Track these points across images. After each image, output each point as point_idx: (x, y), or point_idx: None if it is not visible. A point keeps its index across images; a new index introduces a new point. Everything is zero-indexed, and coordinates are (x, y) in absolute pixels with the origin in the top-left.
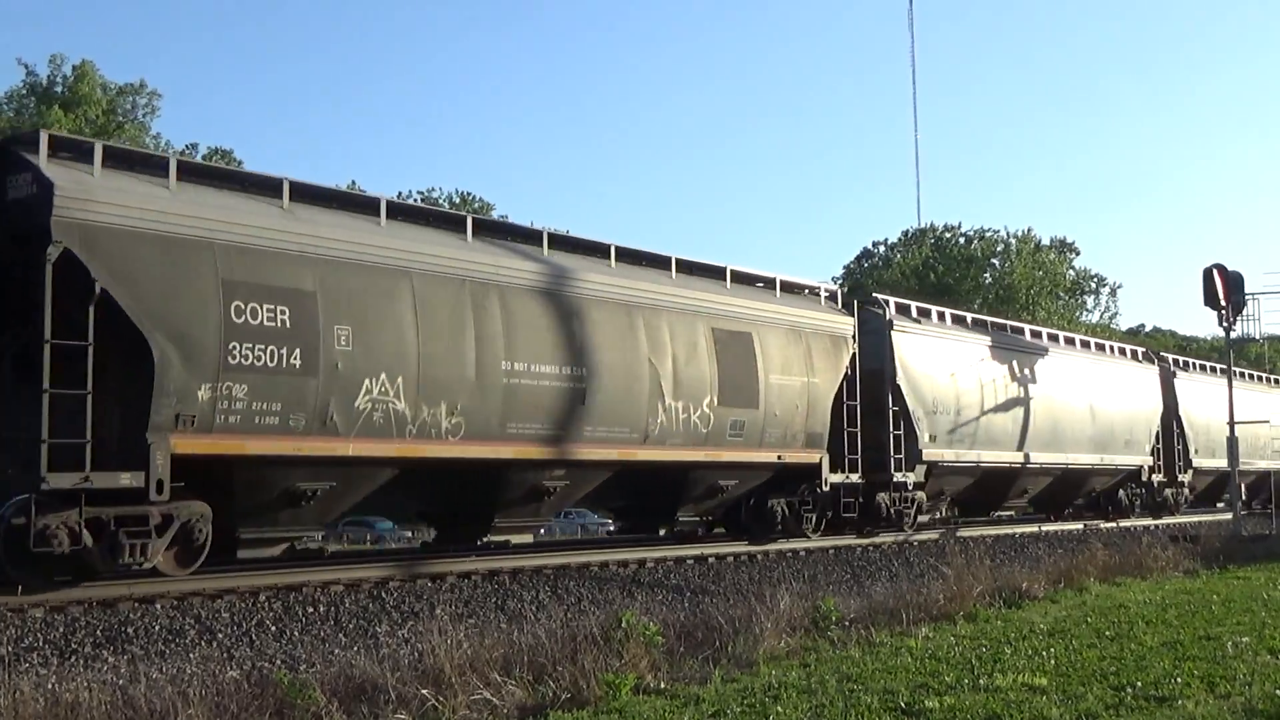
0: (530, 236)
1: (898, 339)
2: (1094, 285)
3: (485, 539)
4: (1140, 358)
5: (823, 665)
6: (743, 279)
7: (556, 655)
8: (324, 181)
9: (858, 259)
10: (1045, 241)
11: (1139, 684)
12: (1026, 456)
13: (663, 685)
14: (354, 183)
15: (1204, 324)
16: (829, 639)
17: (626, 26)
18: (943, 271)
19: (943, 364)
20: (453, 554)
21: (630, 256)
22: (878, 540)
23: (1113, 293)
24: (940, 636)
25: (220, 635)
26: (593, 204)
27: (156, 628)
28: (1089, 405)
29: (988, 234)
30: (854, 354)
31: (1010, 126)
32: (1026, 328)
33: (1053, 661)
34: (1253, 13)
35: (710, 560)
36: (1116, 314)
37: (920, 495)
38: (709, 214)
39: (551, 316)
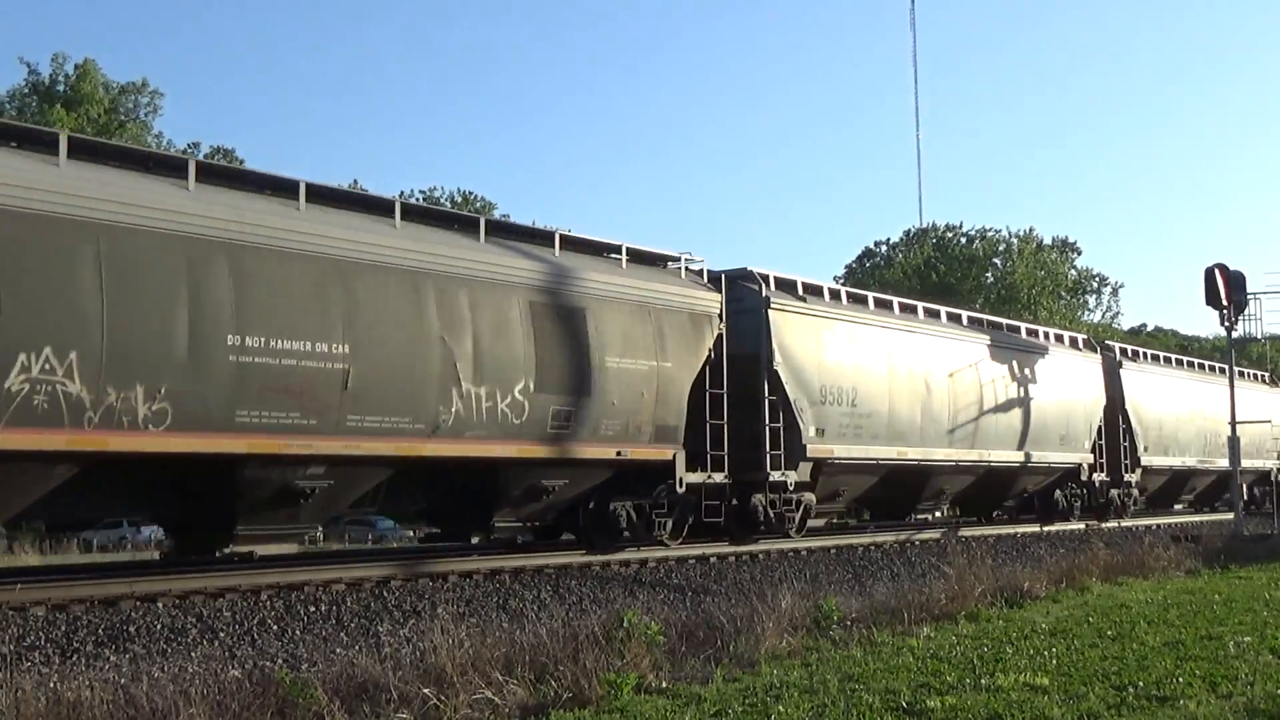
0: (285, 188)
1: (776, 319)
2: (1096, 285)
3: (227, 550)
4: (1081, 346)
5: (824, 665)
6: (577, 246)
7: (558, 655)
8: (321, 182)
9: (859, 259)
10: (1047, 241)
11: (1141, 684)
12: (940, 453)
13: (664, 685)
14: (356, 182)
15: (1206, 324)
16: (830, 638)
17: (628, 26)
18: (944, 271)
19: (836, 348)
20: (455, 554)
21: (422, 215)
22: (879, 539)
23: (1114, 292)
24: (942, 636)
25: (222, 634)
26: (594, 204)
27: (158, 626)
28: (1017, 397)
29: (989, 233)
30: (719, 335)
31: (1012, 126)
32: (943, 310)
33: (1054, 661)
34: (1256, 12)
35: (712, 560)
36: (1118, 314)
37: (808, 497)
38: (710, 214)
39: (304, 284)
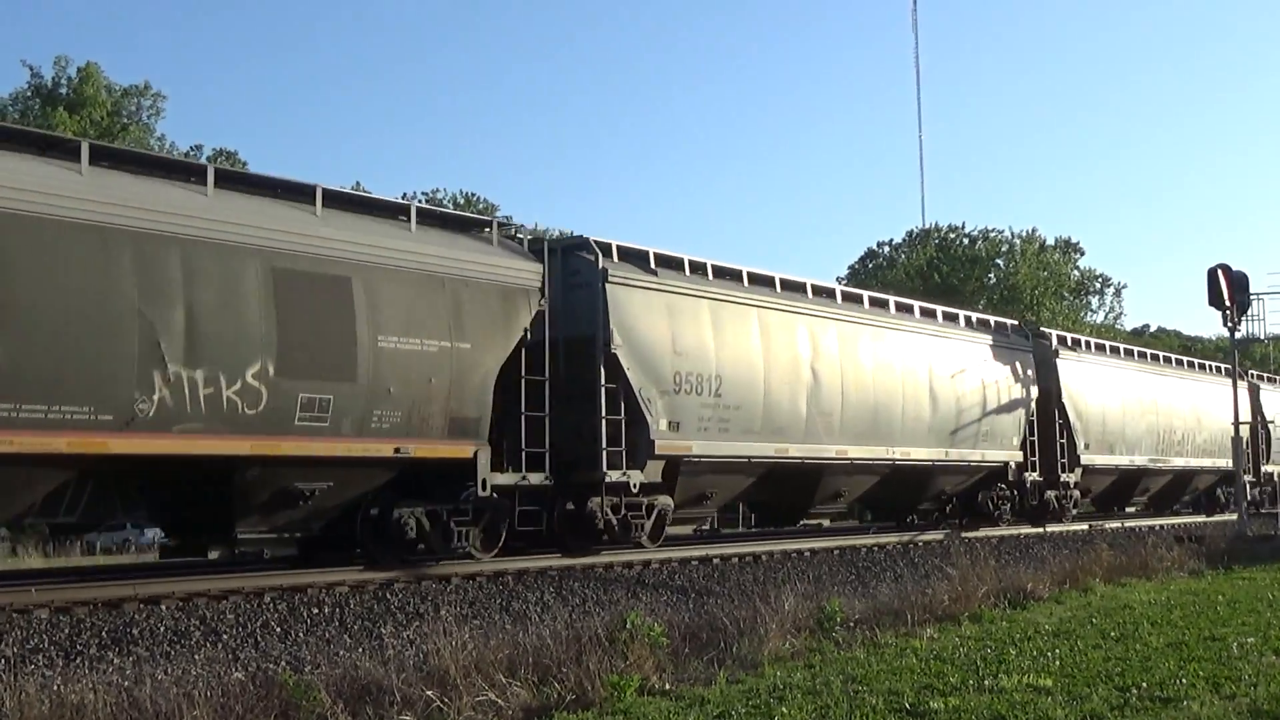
0: None
1: (617, 295)
2: (1099, 285)
3: None
4: (1011, 332)
5: (828, 666)
6: (345, 203)
7: (561, 657)
8: (325, 183)
9: (862, 259)
10: (1050, 242)
11: (1144, 685)
12: (833, 450)
13: (668, 686)
14: (358, 184)
15: (1209, 325)
16: (834, 640)
17: (630, 27)
18: (947, 272)
19: (696, 330)
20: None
21: (119, 159)
22: (882, 540)
23: (1118, 293)
24: (945, 637)
25: (225, 636)
26: (596, 205)
27: (162, 629)
28: (929, 388)
29: (992, 234)
30: (539, 313)
31: (1015, 126)
32: (838, 289)
33: (1058, 662)
34: (1260, 13)
35: (715, 561)
36: (1122, 314)
37: (662, 500)
38: (712, 215)
39: None
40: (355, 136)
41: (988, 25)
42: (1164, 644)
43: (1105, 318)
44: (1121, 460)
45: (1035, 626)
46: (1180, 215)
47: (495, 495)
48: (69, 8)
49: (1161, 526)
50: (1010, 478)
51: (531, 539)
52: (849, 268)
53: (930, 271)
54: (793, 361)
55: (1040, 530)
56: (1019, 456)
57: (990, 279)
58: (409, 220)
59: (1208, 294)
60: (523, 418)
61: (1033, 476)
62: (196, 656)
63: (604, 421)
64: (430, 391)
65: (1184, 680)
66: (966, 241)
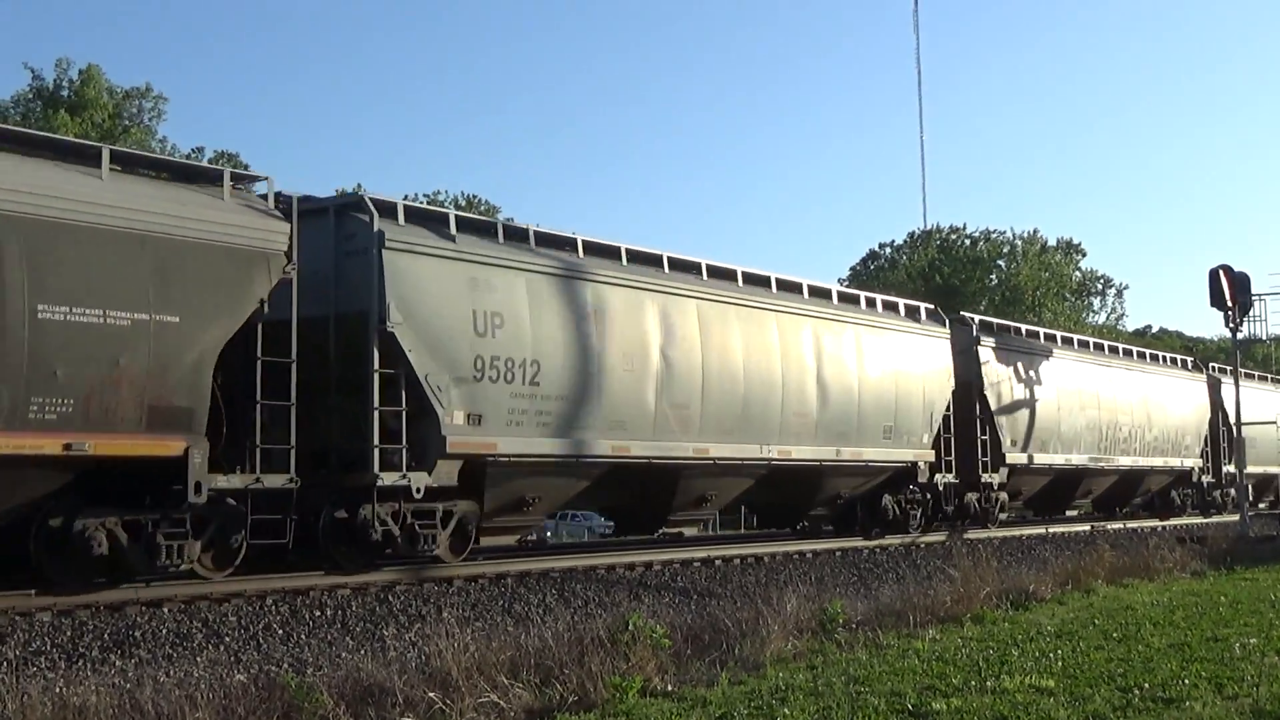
0: None
1: (397, 263)
2: (1100, 286)
3: None
4: (924, 317)
5: (830, 668)
6: (10, 142)
7: (563, 658)
8: (330, 184)
9: (864, 261)
10: (1052, 242)
11: (1146, 685)
12: (689, 448)
13: (670, 688)
14: (360, 186)
15: (1211, 325)
16: (836, 641)
17: (632, 29)
18: (949, 273)
19: (509, 305)
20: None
21: None
22: (885, 542)
23: (1119, 294)
24: (947, 638)
25: (227, 639)
26: (597, 207)
27: (164, 631)
28: (816, 378)
29: (994, 235)
30: (284, 280)
31: (1016, 127)
32: (704, 263)
33: (1060, 663)
34: (1261, 14)
35: (717, 563)
36: (1124, 315)
37: (463, 507)
38: (714, 216)
39: None
40: (356, 138)
41: (989, 26)
42: (1166, 645)
43: (1107, 319)
44: (1056, 459)
45: (1037, 627)
46: (1182, 216)
47: (233, 501)
48: (71, 10)
49: (1163, 528)
50: (920, 479)
51: (277, 553)
52: (850, 269)
53: (932, 273)
54: (639, 345)
55: (1046, 531)
56: (929, 456)
57: (992, 280)
58: (100, 167)
59: (1209, 295)
60: (258, 407)
61: (946, 478)
62: (199, 659)
63: (375, 413)
64: (118, 374)
65: (1186, 681)
66: (968, 242)
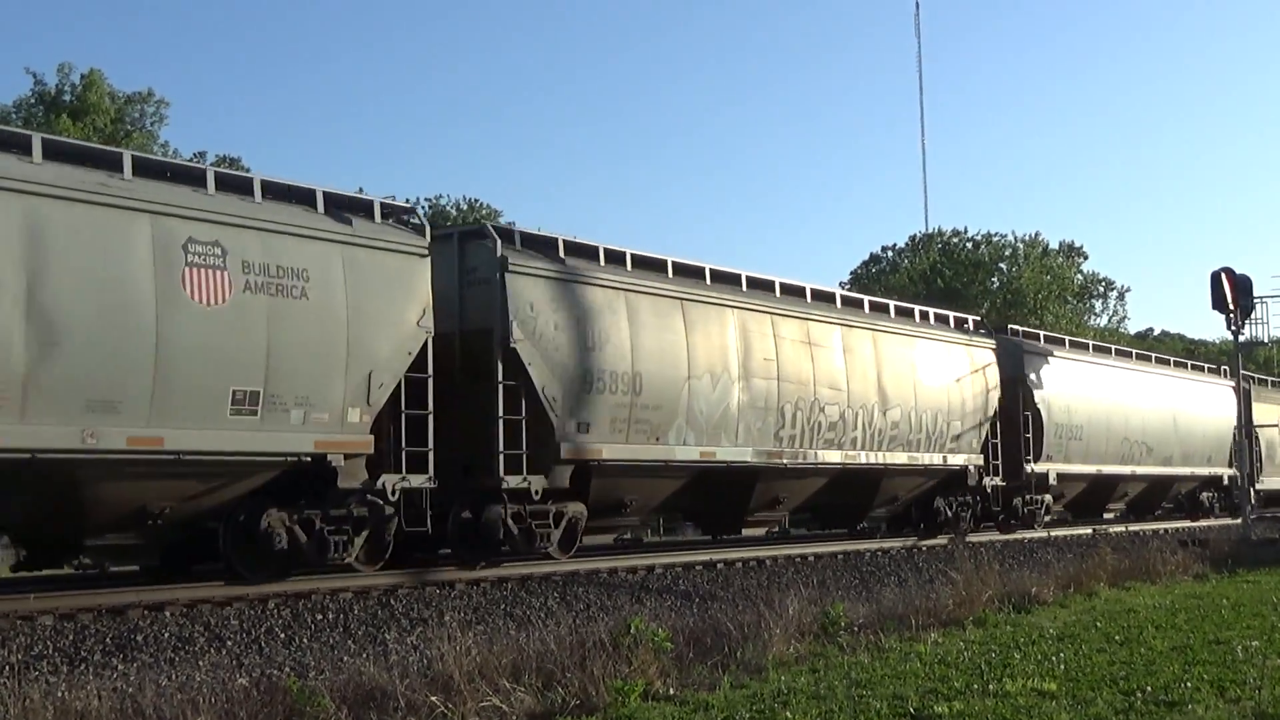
0: None
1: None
2: (1102, 289)
3: None
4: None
5: (832, 671)
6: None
7: (565, 662)
8: (328, 185)
9: (865, 264)
10: (1053, 245)
11: (1148, 688)
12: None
13: (672, 691)
14: (361, 189)
15: (1213, 328)
16: (838, 644)
17: (633, 32)
18: (950, 276)
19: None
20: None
21: None
22: (886, 545)
23: (1121, 296)
24: (949, 642)
25: (229, 642)
26: (599, 208)
27: (166, 635)
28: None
29: (995, 238)
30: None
31: (1017, 130)
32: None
33: (1062, 666)
34: (1263, 16)
35: (719, 566)
36: (1125, 318)
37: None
38: (715, 219)
39: None
40: (356, 142)
41: (990, 29)
42: (1168, 648)
43: (1109, 321)
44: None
45: (1039, 630)
46: (1184, 219)
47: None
48: (73, 14)
49: (1165, 530)
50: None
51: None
52: (851, 273)
53: (933, 276)
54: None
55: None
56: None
57: (993, 283)
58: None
59: (1211, 297)
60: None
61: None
62: (201, 662)
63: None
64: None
65: (1189, 684)
66: (970, 246)
